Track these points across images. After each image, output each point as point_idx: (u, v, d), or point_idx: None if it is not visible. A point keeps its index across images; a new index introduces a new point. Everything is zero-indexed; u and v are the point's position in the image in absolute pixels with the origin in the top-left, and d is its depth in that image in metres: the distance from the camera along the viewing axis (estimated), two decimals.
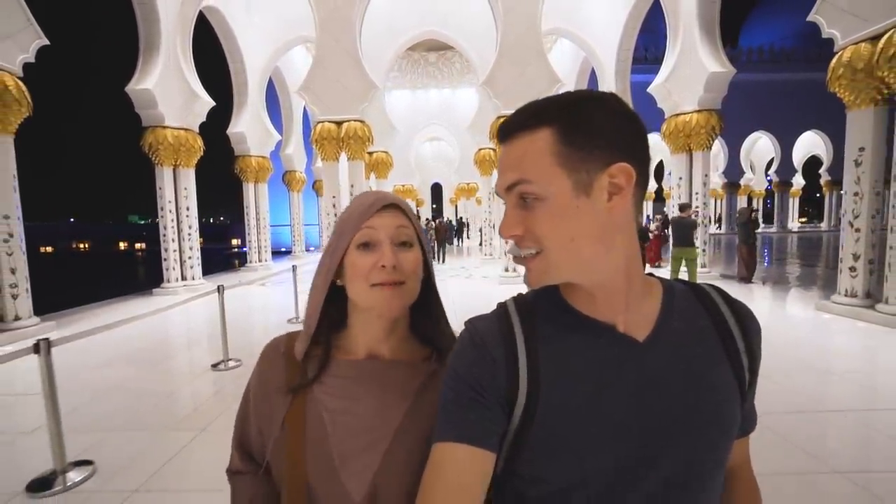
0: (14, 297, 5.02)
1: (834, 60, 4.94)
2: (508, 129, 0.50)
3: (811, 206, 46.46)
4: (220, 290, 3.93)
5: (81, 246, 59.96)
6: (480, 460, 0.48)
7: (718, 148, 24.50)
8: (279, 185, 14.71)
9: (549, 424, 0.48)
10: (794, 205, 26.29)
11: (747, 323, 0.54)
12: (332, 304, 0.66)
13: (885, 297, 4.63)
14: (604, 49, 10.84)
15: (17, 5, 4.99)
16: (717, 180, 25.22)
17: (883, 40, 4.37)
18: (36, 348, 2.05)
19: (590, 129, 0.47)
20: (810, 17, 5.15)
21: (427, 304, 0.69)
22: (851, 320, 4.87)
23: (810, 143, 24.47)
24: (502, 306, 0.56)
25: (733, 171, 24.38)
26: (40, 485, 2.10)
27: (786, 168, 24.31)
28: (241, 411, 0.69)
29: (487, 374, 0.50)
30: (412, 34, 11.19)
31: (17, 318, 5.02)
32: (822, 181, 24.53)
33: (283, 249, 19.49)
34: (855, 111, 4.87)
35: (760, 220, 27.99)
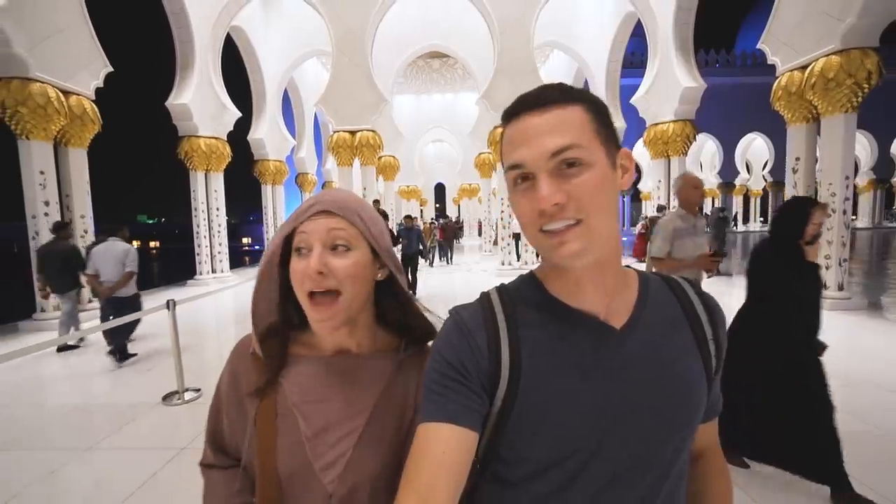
0: None
1: (776, 83, 5.85)
2: (540, 100, 0.50)
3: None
4: None
5: None
6: (464, 439, 0.49)
7: (714, 149, 25.32)
8: (291, 186, 15.67)
9: (529, 407, 0.51)
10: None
11: (715, 313, 0.58)
12: (295, 304, 0.64)
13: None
14: (595, 61, 11.73)
15: (90, 39, 5.98)
16: (713, 180, 26.07)
17: (808, 70, 5.28)
18: (168, 305, 3.03)
19: (607, 113, 0.51)
20: (759, 46, 6.04)
21: (391, 299, 0.69)
22: None
23: None
24: (485, 295, 0.58)
25: (728, 172, 25.13)
26: (168, 398, 3.09)
27: (780, 169, 25.00)
28: (213, 406, 0.70)
29: (471, 359, 0.52)
30: (417, 47, 12.11)
31: (89, 301, 6.03)
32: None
33: None
34: (792, 127, 5.78)
35: (761, 219, 28.85)
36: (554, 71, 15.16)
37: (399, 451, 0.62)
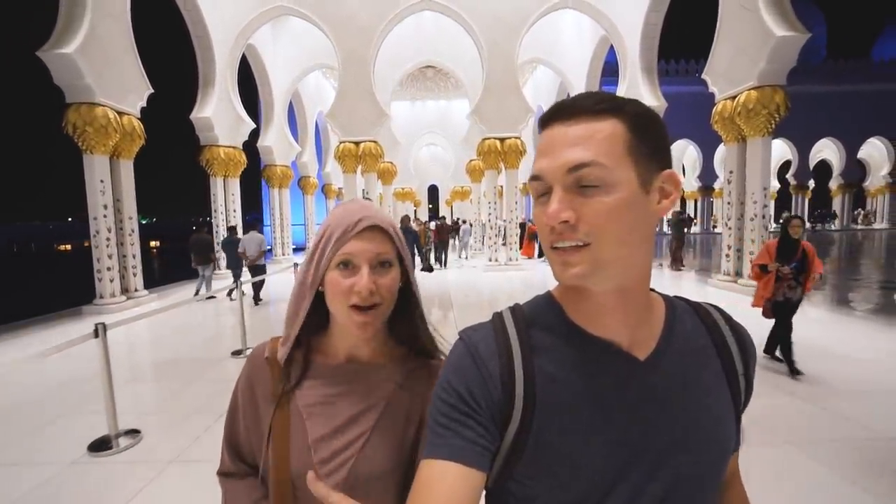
0: (134, 275, 7.05)
1: (714, 109, 7.04)
2: (571, 110, 0.46)
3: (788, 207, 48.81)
4: (295, 266, 6.00)
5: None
6: (471, 481, 0.46)
7: (695, 154, 26.73)
8: (293, 188, 16.57)
9: (544, 441, 0.47)
10: (771, 207, 28.44)
11: (746, 346, 0.54)
12: (313, 309, 0.66)
13: (746, 273, 6.71)
14: (575, 75, 12.91)
15: (136, 66, 7.00)
16: (694, 184, 27.50)
17: (736, 100, 6.47)
18: (237, 285, 4.12)
19: (652, 129, 0.47)
20: (703, 76, 7.21)
21: (406, 310, 0.70)
22: (726, 291, 6.95)
23: (782, 151, 26.76)
24: (498, 317, 0.55)
25: (707, 176, 26.58)
26: (236, 355, 4.18)
27: None
28: (229, 413, 0.72)
29: (482, 389, 0.49)
30: (413, 62, 13.19)
31: (136, 290, 7.06)
32: (790, 185, 26.86)
33: (293, 247, 21.43)
34: (727, 146, 6.97)
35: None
36: (541, 83, 16.36)
37: (401, 460, 0.65)
